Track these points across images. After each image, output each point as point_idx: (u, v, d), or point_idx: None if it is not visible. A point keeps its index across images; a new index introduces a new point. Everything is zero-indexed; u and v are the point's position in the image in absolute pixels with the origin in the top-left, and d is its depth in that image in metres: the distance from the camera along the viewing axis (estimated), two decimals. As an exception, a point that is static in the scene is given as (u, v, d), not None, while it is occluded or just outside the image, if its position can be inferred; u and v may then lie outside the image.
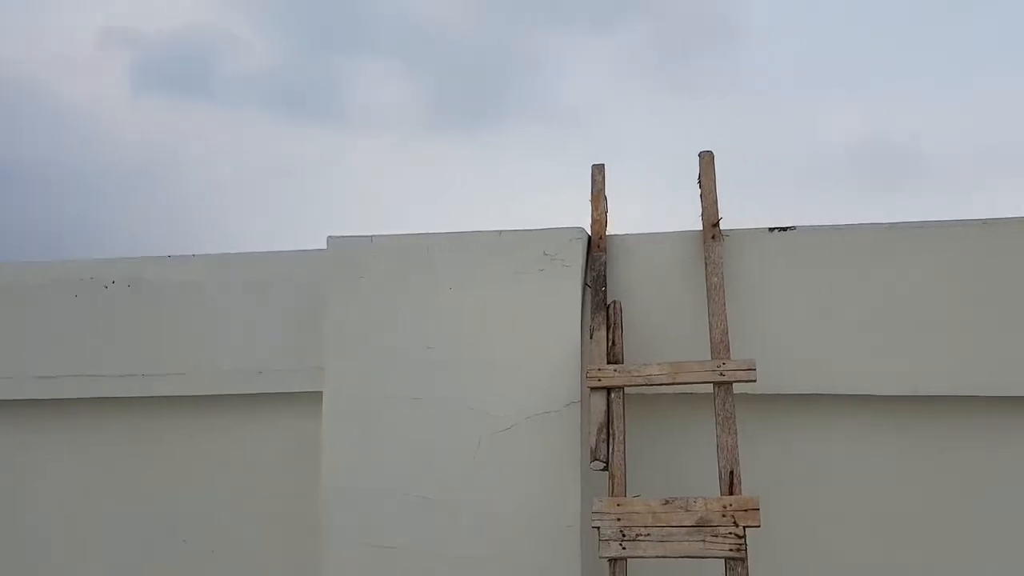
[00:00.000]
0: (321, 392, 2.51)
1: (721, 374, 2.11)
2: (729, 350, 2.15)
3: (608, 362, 2.22)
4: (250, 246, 2.97)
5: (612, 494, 2.05)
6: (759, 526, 1.90)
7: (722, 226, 2.35)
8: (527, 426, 2.31)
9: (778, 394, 2.24)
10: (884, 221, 2.26)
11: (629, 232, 2.45)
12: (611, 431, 2.12)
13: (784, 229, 2.34)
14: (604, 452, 2.09)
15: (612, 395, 2.17)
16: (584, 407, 2.27)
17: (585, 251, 2.41)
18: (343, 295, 2.53)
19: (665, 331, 2.35)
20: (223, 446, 2.82)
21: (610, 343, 2.25)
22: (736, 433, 2.03)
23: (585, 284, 2.39)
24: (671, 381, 2.14)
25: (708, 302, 2.23)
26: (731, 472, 1.98)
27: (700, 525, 1.93)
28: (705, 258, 2.30)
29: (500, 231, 2.41)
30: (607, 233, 2.45)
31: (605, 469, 2.08)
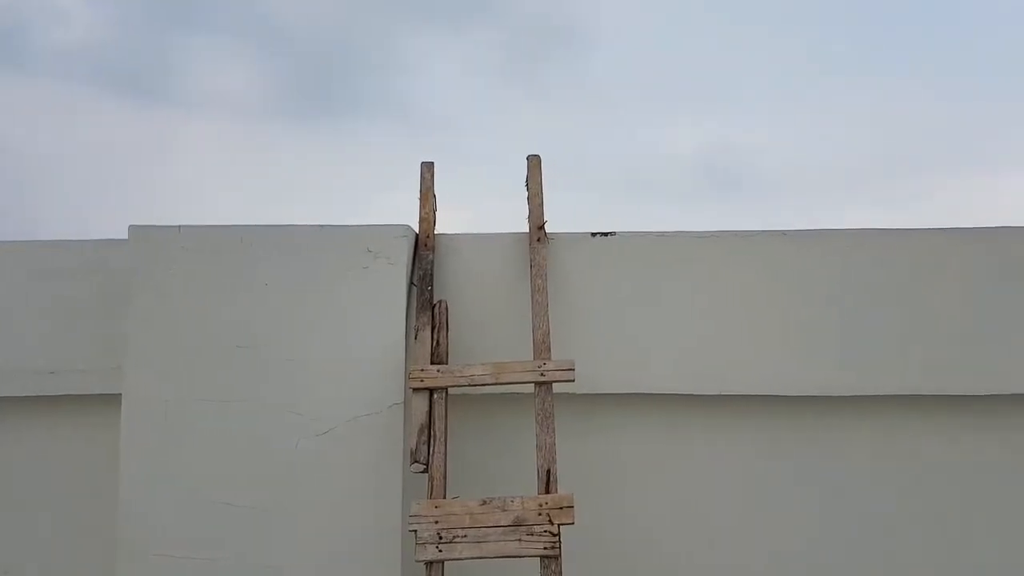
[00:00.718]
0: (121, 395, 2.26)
1: (541, 374, 2.09)
2: (550, 351, 2.14)
3: (432, 362, 2.14)
4: (58, 233, 2.62)
5: (431, 496, 1.97)
6: (573, 523, 1.90)
7: (549, 229, 2.34)
8: (348, 428, 2.18)
9: (598, 394, 2.25)
10: (701, 230, 2.34)
11: (457, 232, 2.40)
12: (432, 432, 2.04)
13: (605, 234, 2.36)
14: (424, 454, 2.00)
15: (435, 396, 2.09)
16: (406, 408, 2.18)
17: (412, 249, 2.31)
18: (146, 289, 2.28)
19: (490, 332, 2.30)
20: (10, 453, 2.48)
21: (435, 343, 2.17)
22: (554, 432, 2.02)
23: (411, 283, 2.29)
24: (494, 381, 2.09)
25: (532, 303, 2.21)
26: (548, 471, 1.96)
27: (516, 524, 1.89)
28: (531, 260, 2.28)
29: (321, 225, 2.27)
30: (435, 232, 2.38)
31: (425, 471, 2.00)
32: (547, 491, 1.94)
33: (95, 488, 2.40)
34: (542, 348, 2.14)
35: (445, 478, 2.00)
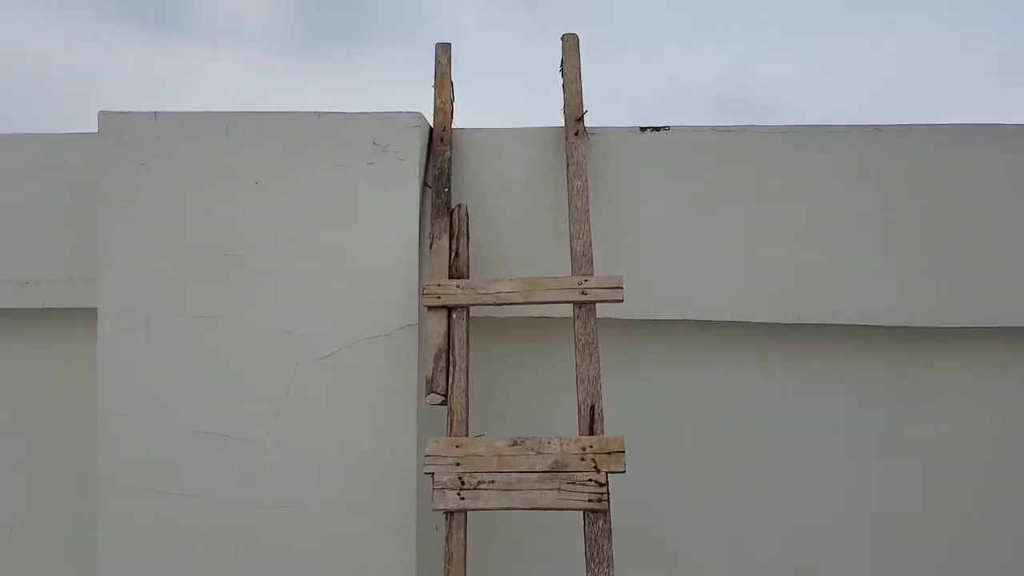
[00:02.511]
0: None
1: (583, 292, 1.66)
2: (592, 265, 1.70)
3: (450, 276, 1.71)
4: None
5: (451, 433, 1.57)
6: (624, 471, 1.50)
7: (588, 124, 1.87)
8: (352, 353, 1.76)
9: (645, 320, 1.82)
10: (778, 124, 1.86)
11: (479, 126, 1.92)
12: (452, 359, 1.62)
13: (657, 129, 1.89)
14: (442, 384, 1.59)
15: (454, 316, 1.67)
16: (421, 330, 1.76)
17: (425, 144, 1.85)
18: (118, 187, 1.83)
19: (519, 243, 1.85)
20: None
21: (453, 254, 1.73)
22: (598, 362, 1.60)
23: (424, 183, 1.84)
24: (524, 300, 1.67)
25: (569, 209, 1.76)
26: (592, 408, 1.55)
27: (555, 470, 1.50)
28: (567, 158, 1.81)
29: (319, 113, 1.79)
30: (452, 126, 1.91)
31: (444, 403, 1.59)
32: (591, 432, 1.54)
33: (72, 412, 2.02)
34: (582, 262, 1.70)
35: (467, 412, 1.59)
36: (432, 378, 1.59)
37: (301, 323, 1.78)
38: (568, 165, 1.80)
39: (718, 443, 1.90)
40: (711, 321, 1.86)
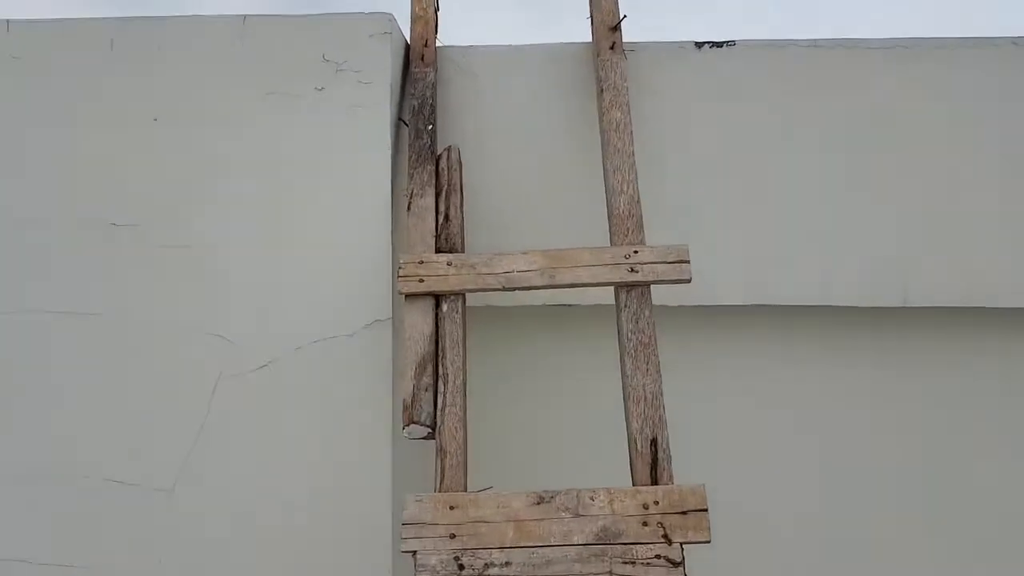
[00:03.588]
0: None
1: (632, 270, 1.10)
2: (643, 231, 1.15)
3: (437, 250, 1.15)
4: None
5: (441, 486, 1.00)
6: (708, 540, 0.95)
7: (624, 38, 1.31)
8: (296, 363, 1.18)
9: (711, 306, 1.27)
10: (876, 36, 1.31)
11: (474, 44, 1.35)
12: (441, 370, 1.06)
13: (719, 44, 1.33)
14: (428, 409, 1.03)
15: (443, 307, 1.11)
16: (397, 329, 1.20)
17: (400, 63, 1.27)
18: (-44, 129, 1.25)
19: (534, 200, 1.27)
20: None
21: (441, 218, 1.17)
22: (659, 371, 1.05)
23: (399, 118, 1.27)
24: (547, 283, 1.10)
25: (604, 152, 1.21)
26: (653, 442, 1.00)
27: (603, 542, 0.94)
28: (599, 81, 1.26)
29: (244, 16, 1.21)
30: (437, 41, 1.34)
31: (431, 437, 1.04)
32: (654, 478, 0.99)
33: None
34: (628, 225, 1.14)
35: (465, 451, 1.03)
36: (412, 401, 1.03)
37: (223, 321, 1.20)
38: (601, 91, 1.24)
39: (812, 464, 1.36)
40: (793, 306, 1.32)
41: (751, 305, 1.28)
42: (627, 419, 1.02)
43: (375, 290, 1.17)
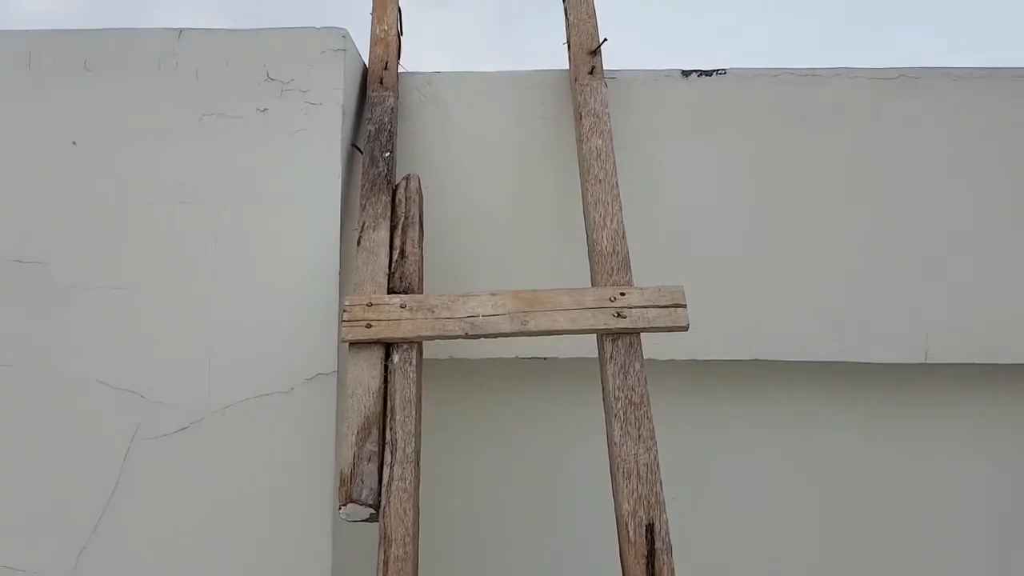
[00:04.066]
0: None
1: (618, 315, 0.93)
2: (630, 269, 0.98)
3: (390, 290, 0.96)
4: None
5: (384, 573, 0.81)
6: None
7: (604, 63, 1.17)
8: (224, 424, 0.97)
9: (711, 361, 1.10)
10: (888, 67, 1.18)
11: (440, 70, 1.21)
12: (389, 435, 0.86)
13: (708, 73, 1.20)
14: (371, 484, 0.83)
15: (395, 357, 0.91)
16: (342, 384, 1.01)
17: (357, 85, 1.12)
18: None
19: (505, 236, 1.11)
20: None
21: (396, 253, 0.99)
22: (653, 438, 0.87)
23: (353, 145, 1.11)
24: (519, 329, 0.92)
25: (584, 183, 1.05)
26: (650, 528, 0.81)
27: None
28: (578, 108, 1.10)
29: (180, 30, 1.06)
30: (399, 65, 1.20)
31: (375, 519, 0.84)
32: (651, 574, 0.79)
33: None
34: (612, 264, 0.97)
35: (416, 539, 0.83)
36: (352, 474, 0.83)
37: (138, 375, 1.00)
38: (580, 117, 1.09)
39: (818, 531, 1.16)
40: (801, 362, 1.15)
41: (751, 360, 1.11)
42: (615, 498, 0.82)
43: (319, 339, 0.98)
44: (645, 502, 0.81)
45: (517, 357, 1.10)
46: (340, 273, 1.01)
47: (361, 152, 1.07)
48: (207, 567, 0.94)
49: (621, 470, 0.83)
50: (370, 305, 0.92)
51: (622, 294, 0.93)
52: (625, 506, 0.81)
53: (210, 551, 0.94)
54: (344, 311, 0.91)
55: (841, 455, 1.14)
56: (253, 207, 1.02)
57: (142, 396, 0.98)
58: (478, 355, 1.09)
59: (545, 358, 1.11)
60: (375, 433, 0.84)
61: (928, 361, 1.16)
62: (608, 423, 0.87)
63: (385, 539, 0.78)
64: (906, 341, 1.15)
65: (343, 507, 0.80)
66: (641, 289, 0.93)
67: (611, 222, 0.99)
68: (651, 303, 0.92)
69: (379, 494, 0.81)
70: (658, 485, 0.82)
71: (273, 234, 1.02)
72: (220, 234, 1.02)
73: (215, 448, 0.97)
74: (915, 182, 1.17)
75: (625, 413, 0.86)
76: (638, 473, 0.83)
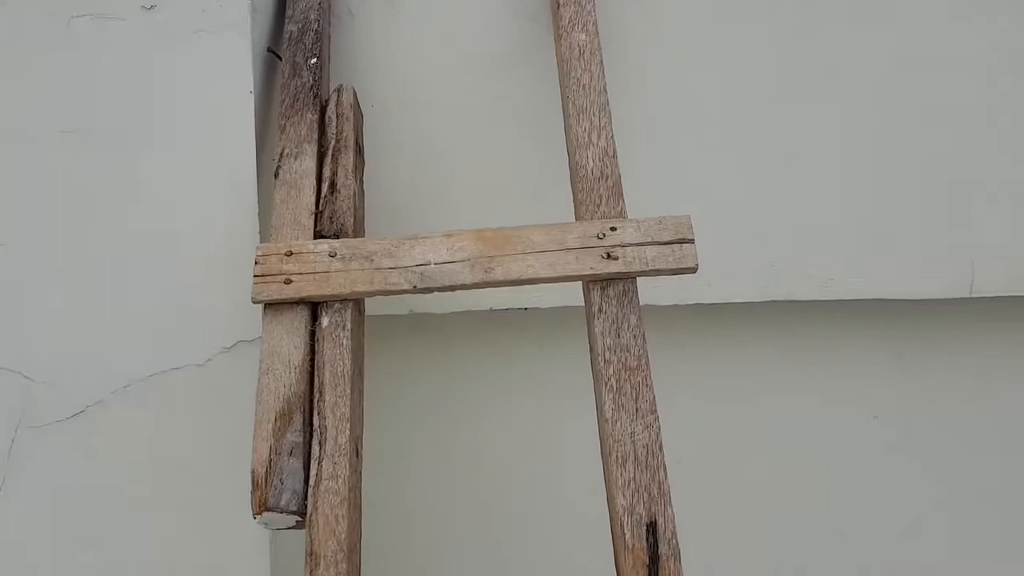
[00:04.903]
0: None
1: (608, 255, 0.71)
2: (623, 198, 0.77)
3: (317, 235, 0.74)
4: None
5: (318, 604, 0.62)
6: None
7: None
8: (126, 406, 0.76)
9: (721, 305, 0.88)
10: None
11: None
12: (317, 423, 0.65)
13: (715, -53, 0.94)
14: (294, 486, 0.63)
15: (324, 320, 0.69)
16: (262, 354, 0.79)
17: (271, -27, 0.88)
18: None
19: (464, 164, 0.88)
20: None
21: (325, 187, 0.76)
22: (655, 411, 0.67)
23: (269, 49, 0.87)
24: (480, 280, 0.70)
25: (564, 90, 0.82)
26: (651, 528, 0.62)
27: None
28: (554, -4, 0.87)
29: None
30: (333, -50, 0.94)
31: (299, 526, 0.65)
32: None
33: None
34: (601, 191, 0.76)
35: (351, 555, 0.64)
36: (268, 473, 0.63)
37: (21, 352, 0.78)
38: (559, 7, 0.84)
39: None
40: (826, 302, 0.94)
41: (768, 302, 0.90)
42: (608, 491, 0.63)
43: (237, 299, 0.76)
44: (645, 494, 0.62)
45: (491, 309, 0.89)
46: (259, 215, 0.80)
47: (280, 59, 0.83)
48: (114, 572, 0.75)
49: (614, 454, 0.63)
50: (289, 254, 0.70)
51: (613, 229, 0.71)
52: (620, 500, 0.61)
53: (116, 557, 0.75)
54: (256, 263, 0.69)
55: (878, 406, 0.95)
56: (146, 134, 0.79)
57: (25, 376, 0.77)
58: (443, 309, 0.87)
59: (526, 308, 0.90)
60: (298, 419, 0.64)
61: (973, 295, 0.96)
62: (598, 394, 0.66)
63: (312, 556, 0.59)
64: (949, 273, 0.95)
65: (257, 513, 0.61)
66: (637, 222, 0.71)
67: (598, 138, 0.76)
68: (650, 239, 0.70)
69: (303, 499, 0.62)
70: (662, 472, 0.62)
71: (174, 168, 0.79)
72: (108, 171, 0.80)
73: (117, 435, 0.77)
74: (964, 84, 0.94)
75: (618, 381, 0.66)
76: (635, 457, 0.63)
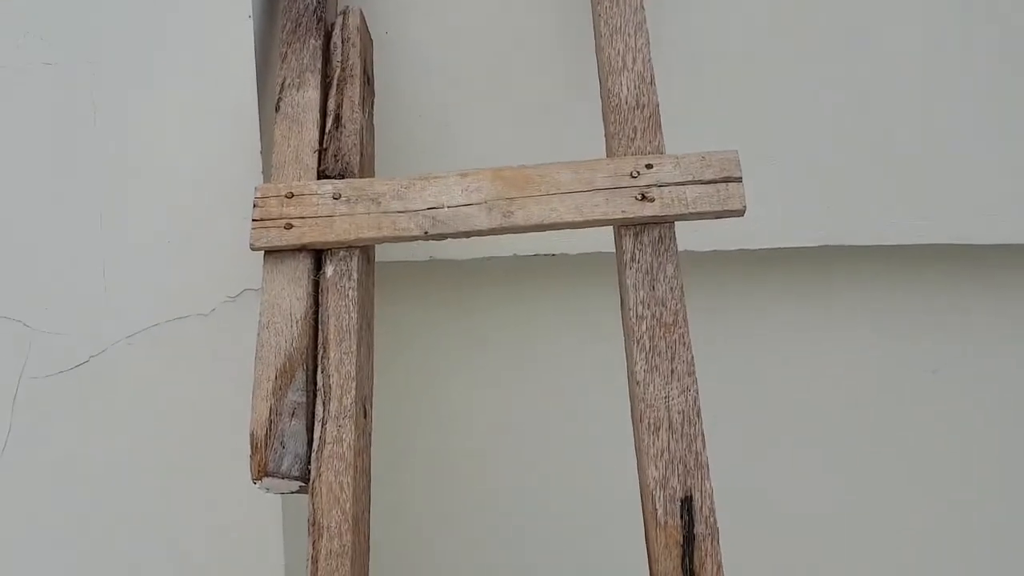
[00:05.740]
0: None
1: (643, 196, 0.61)
2: (661, 130, 0.66)
3: (321, 175, 0.65)
4: None
5: None
6: None
7: None
8: (130, 357, 0.69)
9: (772, 250, 0.78)
10: None
11: None
12: (321, 381, 0.56)
13: None
14: (296, 449, 0.56)
15: (328, 269, 0.60)
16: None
17: None
18: None
19: (484, 96, 0.76)
20: None
21: (330, 121, 0.67)
22: (692, 373, 0.58)
23: None
24: (498, 225, 0.60)
25: (595, 5, 0.71)
26: (686, 503, 0.55)
27: None
28: (585, -100, 0.74)
29: None
30: None
31: (303, 491, 0.60)
32: (689, 570, 0.54)
33: None
34: (636, 122, 0.66)
35: (359, 528, 0.58)
36: (268, 435, 0.57)
37: (22, 300, 0.71)
38: (588, -88, 0.73)
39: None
40: (886, 247, 0.83)
41: (831, 247, 0.79)
42: (639, 461, 0.55)
43: (242, 244, 0.69)
44: (681, 466, 0.54)
45: (515, 255, 0.80)
46: (262, 153, 0.71)
47: (281, -21, 0.73)
48: (119, 531, 0.71)
49: (646, 420, 0.55)
50: (290, 196, 0.61)
51: (648, 167, 0.60)
52: (651, 472, 0.53)
53: (122, 512, 0.71)
54: (255, 206, 0.61)
55: (941, 360, 0.85)
56: (137, 67, 0.70)
57: (26, 325, 0.72)
58: (463, 255, 0.79)
59: (554, 255, 0.81)
60: (301, 377, 0.57)
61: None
62: (628, 353, 0.58)
63: (315, 527, 0.53)
64: (1018, 216, 0.82)
65: (258, 478, 0.55)
66: (676, 158, 0.61)
67: (634, 61, 0.65)
68: (691, 178, 0.60)
69: (307, 461, 0.55)
70: (699, 441, 0.54)
71: (168, 103, 0.70)
72: (101, 106, 0.72)
73: (121, 387, 0.71)
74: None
75: (652, 339, 0.57)
76: (670, 424, 0.55)
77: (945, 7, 0.80)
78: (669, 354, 0.56)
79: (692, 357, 0.56)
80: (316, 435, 0.55)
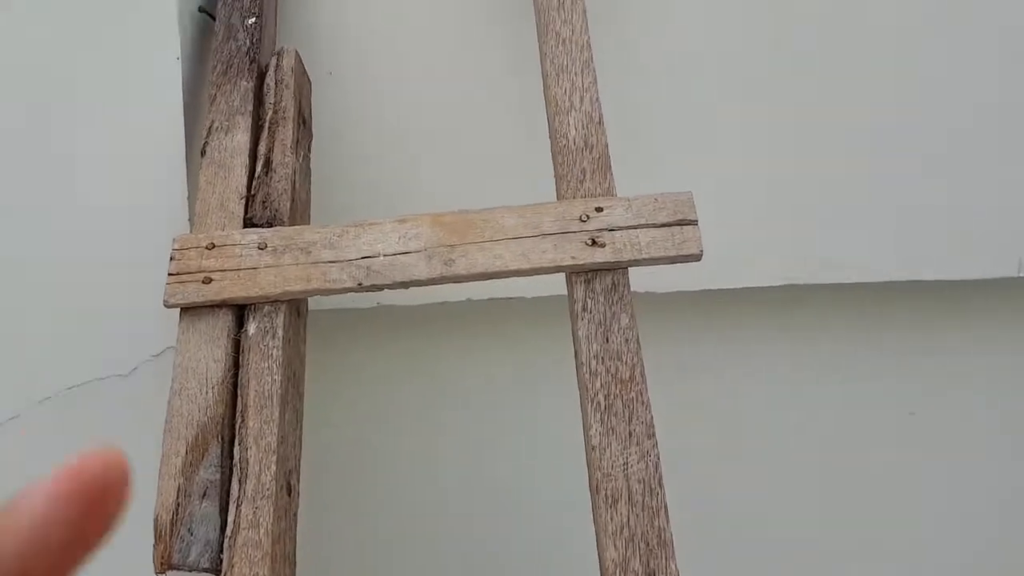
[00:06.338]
0: None
1: (593, 240, 0.55)
2: (611, 172, 0.61)
3: (248, 223, 0.58)
4: None
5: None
6: None
7: None
8: (42, 421, 0.61)
9: (730, 290, 0.73)
10: None
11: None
12: (238, 455, 0.48)
13: None
14: (206, 536, 0.48)
15: (250, 327, 0.53)
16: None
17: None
18: None
19: (430, 140, 0.73)
20: None
21: (259, 166, 0.62)
22: (652, 434, 0.52)
23: (200, 8, 0.72)
24: (440, 275, 0.53)
25: (541, 44, 0.66)
26: None
27: None
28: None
29: None
30: None
31: None
32: None
33: None
34: (584, 163, 0.60)
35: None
36: (174, 521, 0.49)
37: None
38: (534, -51, 0.69)
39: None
40: (853, 285, 0.78)
41: (790, 286, 0.74)
42: (597, 537, 0.48)
43: (149, 301, 0.63)
44: (643, 543, 0.47)
45: (468, 299, 0.74)
46: (190, 200, 0.64)
47: (213, 18, 0.67)
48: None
49: (603, 492, 0.48)
50: (211, 247, 0.55)
51: (598, 209, 0.55)
52: (610, 552, 0.46)
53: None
54: (172, 259, 0.54)
55: (915, 403, 0.79)
56: (60, 107, 0.64)
57: (-73, 390, 0.64)
58: (412, 301, 0.72)
59: (511, 298, 0.75)
60: (215, 451, 0.49)
61: (1022, 274, 0.79)
62: (584, 413, 0.51)
63: (225, 627, 0.45)
64: (996, 250, 0.78)
65: (159, 572, 0.47)
66: (627, 200, 0.55)
67: (581, 101, 0.60)
68: (644, 221, 0.54)
69: (219, 550, 0.47)
70: (663, 515, 0.47)
71: (91, 148, 0.64)
72: (16, 150, 0.65)
73: (35, 452, 0.63)
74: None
75: (607, 397, 0.50)
76: (629, 496, 0.48)
77: (909, 30, 0.77)
78: (626, 414, 0.50)
79: (652, 418, 0.50)
80: (230, 518, 0.47)
